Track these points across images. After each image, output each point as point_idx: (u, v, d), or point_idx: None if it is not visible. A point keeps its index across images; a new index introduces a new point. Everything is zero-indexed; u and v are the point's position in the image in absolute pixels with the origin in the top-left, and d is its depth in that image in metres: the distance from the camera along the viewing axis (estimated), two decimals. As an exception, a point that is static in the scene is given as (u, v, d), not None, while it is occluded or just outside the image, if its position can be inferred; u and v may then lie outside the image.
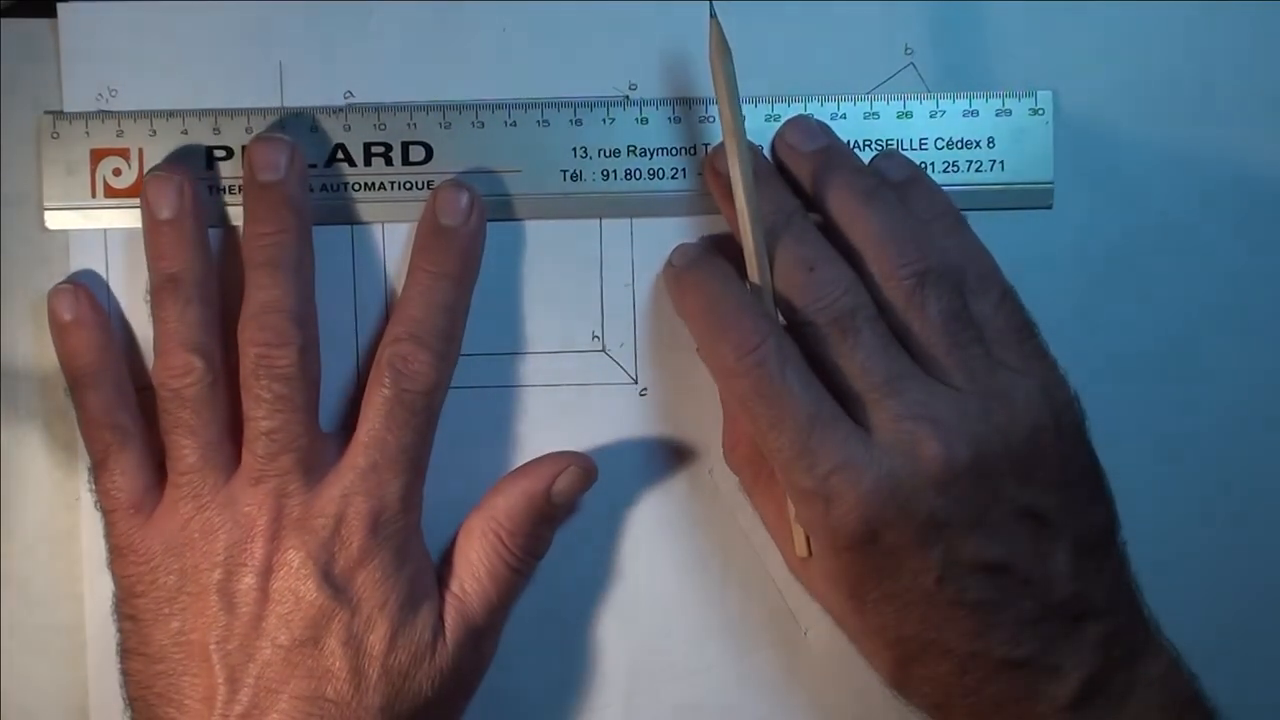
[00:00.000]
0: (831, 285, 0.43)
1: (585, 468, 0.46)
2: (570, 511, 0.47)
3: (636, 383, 0.48)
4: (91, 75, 0.47)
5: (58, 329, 0.46)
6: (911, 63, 0.47)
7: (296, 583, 0.43)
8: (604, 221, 0.47)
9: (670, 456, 0.48)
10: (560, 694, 0.48)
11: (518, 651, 0.48)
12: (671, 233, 0.47)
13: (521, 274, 0.47)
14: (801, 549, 0.45)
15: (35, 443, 0.48)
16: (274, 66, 0.47)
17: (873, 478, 0.41)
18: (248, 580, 0.43)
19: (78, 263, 0.47)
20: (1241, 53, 0.47)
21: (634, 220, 0.47)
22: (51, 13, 0.47)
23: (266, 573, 0.43)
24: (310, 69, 0.47)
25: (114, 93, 0.47)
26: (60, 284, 0.46)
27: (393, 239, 0.47)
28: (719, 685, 0.48)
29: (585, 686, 0.48)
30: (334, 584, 0.43)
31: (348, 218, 0.47)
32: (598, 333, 0.48)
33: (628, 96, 0.47)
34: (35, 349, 0.47)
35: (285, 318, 0.44)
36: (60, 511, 0.48)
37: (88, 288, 0.46)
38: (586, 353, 0.48)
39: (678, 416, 0.48)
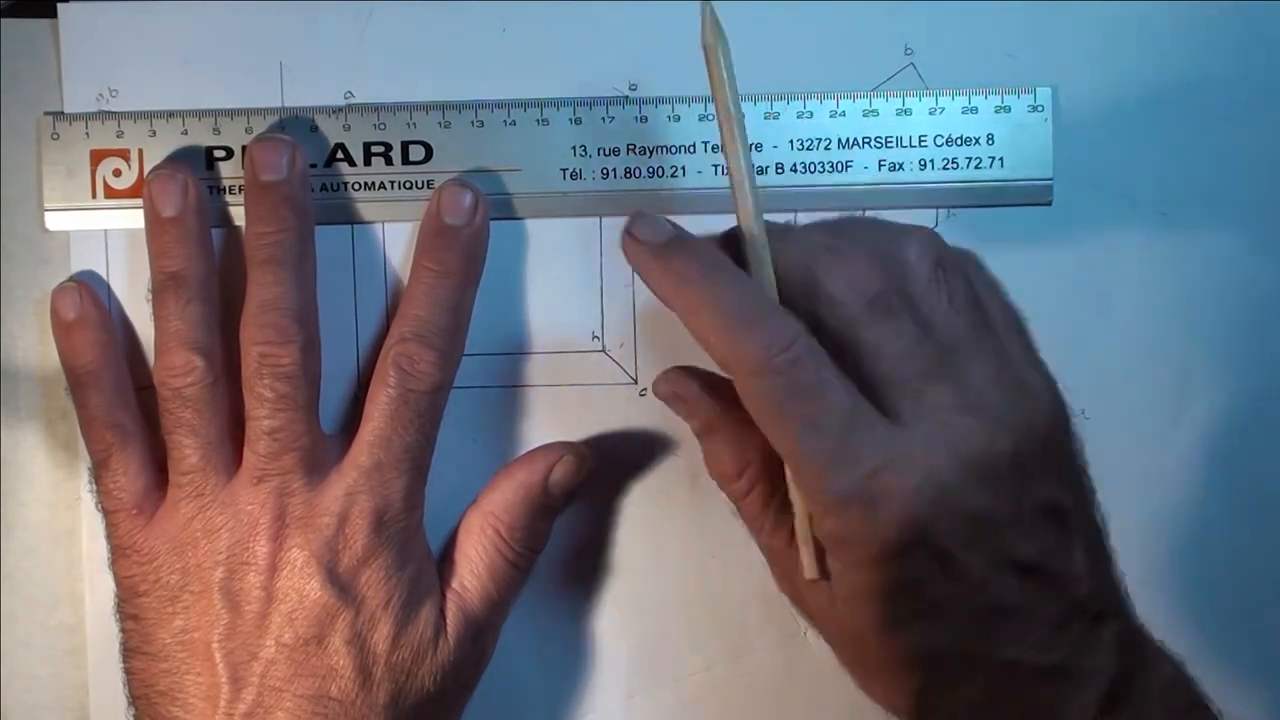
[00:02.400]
0: (864, 266, 0.40)
1: (580, 455, 0.47)
2: (568, 501, 0.47)
3: (636, 383, 0.48)
4: (91, 75, 0.47)
5: (60, 328, 0.46)
6: (911, 63, 0.47)
7: (300, 581, 0.43)
8: (604, 220, 0.47)
9: (670, 456, 0.48)
10: (560, 693, 0.48)
11: (518, 651, 0.48)
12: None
13: (521, 274, 0.48)
14: (811, 571, 0.41)
15: (35, 443, 0.48)
16: (274, 66, 0.47)
17: (921, 473, 0.38)
18: (251, 579, 0.43)
19: (78, 263, 0.47)
20: (1242, 50, 0.47)
21: (633, 219, 0.47)
22: (51, 13, 0.47)
23: (270, 571, 0.43)
24: (310, 69, 0.47)
25: (114, 93, 0.47)
26: (64, 283, 0.46)
27: (393, 239, 0.47)
28: (719, 685, 0.48)
29: (585, 686, 0.48)
30: (338, 582, 0.43)
31: (348, 217, 0.47)
32: (598, 333, 0.48)
33: (627, 96, 0.47)
34: (36, 349, 0.47)
35: (287, 316, 0.44)
36: (60, 511, 0.48)
37: (91, 287, 0.46)
38: (586, 353, 0.48)
39: (678, 417, 0.48)
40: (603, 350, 0.48)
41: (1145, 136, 0.47)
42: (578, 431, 0.48)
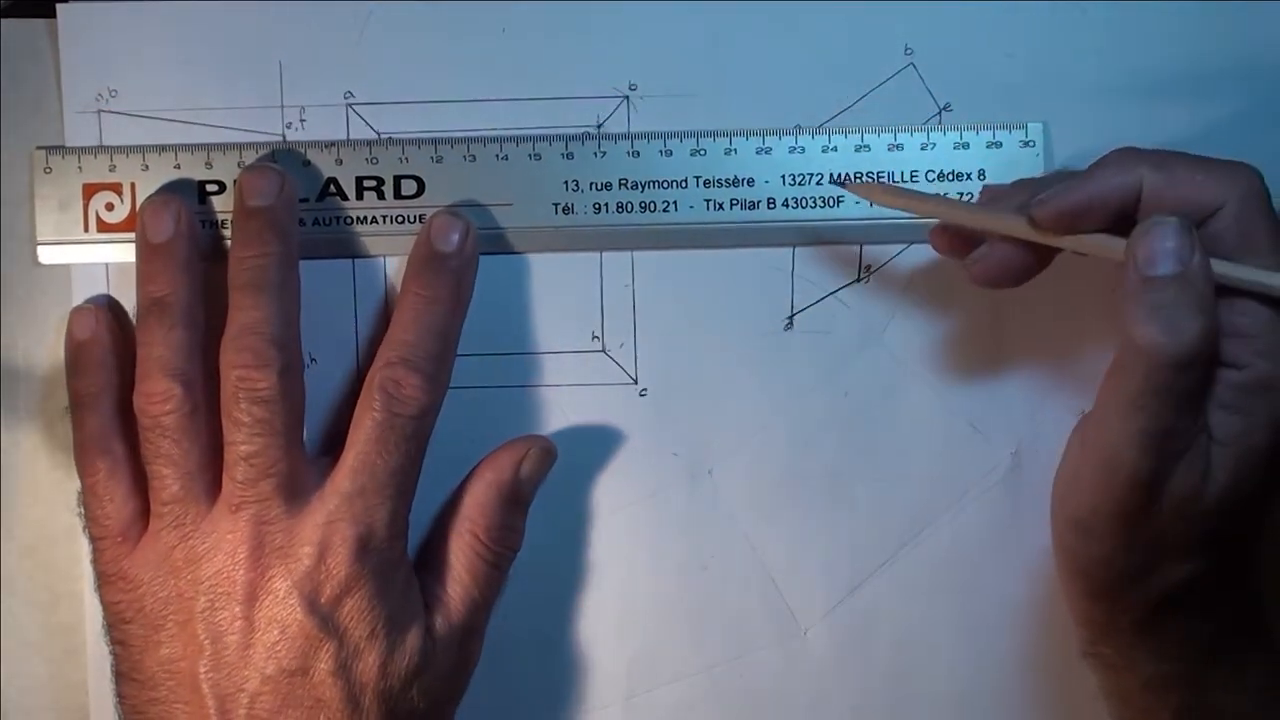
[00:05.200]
0: None
1: (545, 448, 0.47)
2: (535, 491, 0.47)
3: (636, 383, 0.48)
4: (91, 75, 0.47)
5: (71, 347, 0.46)
6: (911, 63, 0.47)
7: (282, 611, 0.43)
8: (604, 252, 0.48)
9: (670, 456, 0.48)
10: (560, 694, 0.48)
11: (517, 652, 0.48)
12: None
13: (521, 274, 0.47)
14: None
15: (35, 443, 0.48)
16: (274, 66, 0.47)
17: None
18: (232, 609, 0.43)
19: (79, 284, 0.47)
20: (1241, 52, 0.47)
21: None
22: (51, 13, 0.46)
23: (250, 601, 0.43)
24: (310, 69, 0.47)
25: (114, 93, 0.47)
26: (82, 303, 0.47)
27: (392, 271, 0.47)
28: (719, 685, 0.48)
29: (585, 686, 0.48)
30: (320, 613, 0.43)
31: (341, 251, 0.47)
32: (598, 333, 0.48)
33: (624, 109, 0.47)
34: (36, 350, 0.47)
35: (265, 340, 0.43)
36: (60, 511, 0.48)
37: (107, 311, 0.46)
38: (586, 353, 0.48)
39: (678, 416, 0.48)
40: (603, 350, 0.48)
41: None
42: (578, 432, 0.48)
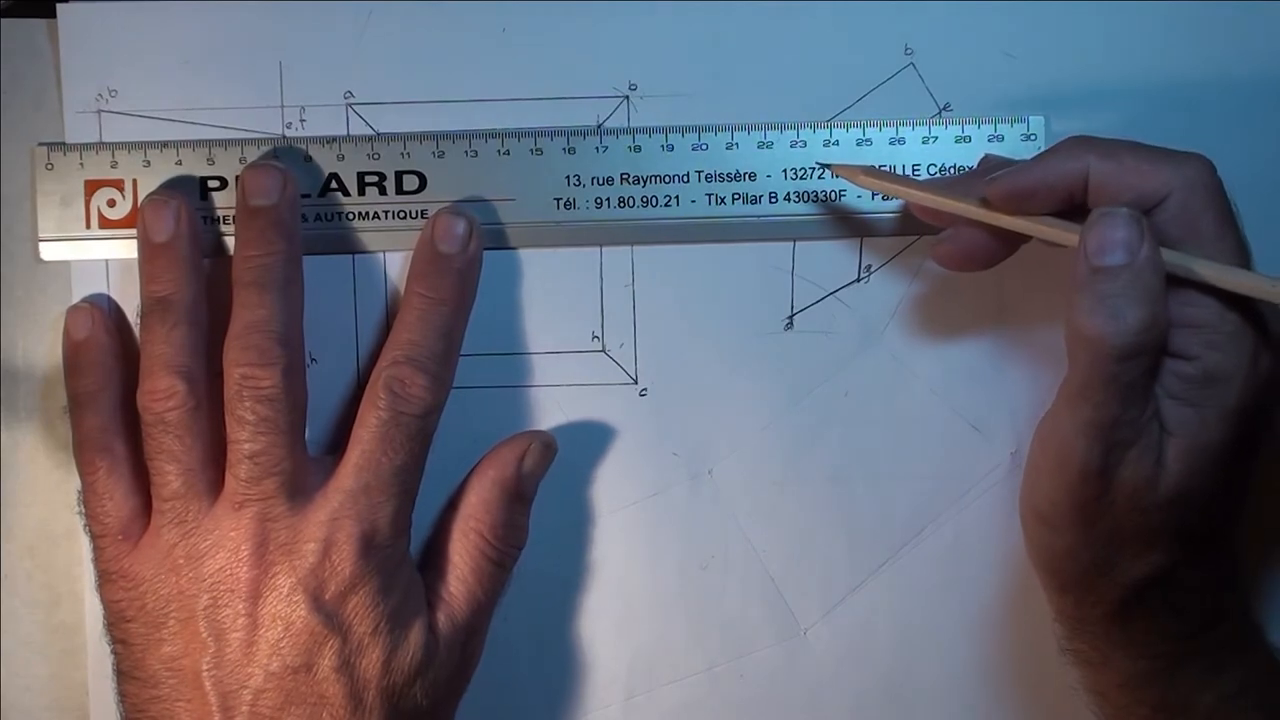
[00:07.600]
0: None
1: (546, 442, 0.47)
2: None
3: (636, 383, 0.48)
4: (91, 75, 0.47)
5: (69, 346, 0.46)
6: (911, 63, 0.47)
7: (286, 608, 0.43)
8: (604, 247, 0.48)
9: (670, 456, 0.48)
10: (560, 694, 0.48)
11: (517, 652, 0.48)
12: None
13: (522, 274, 0.47)
14: None
15: (35, 443, 0.48)
16: (274, 66, 0.47)
17: None
18: (236, 606, 0.43)
19: (79, 281, 0.47)
20: (1240, 53, 0.47)
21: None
22: (51, 13, 0.46)
23: (254, 598, 0.43)
24: (310, 69, 0.47)
25: (114, 93, 0.47)
26: (78, 302, 0.47)
27: (394, 267, 0.47)
28: (719, 685, 0.48)
29: (585, 686, 0.48)
30: (324, 610, 0.43)
31: (343, 247, 0.47)
32: (598, 333, 0.48)
33: (624, 108, 0.47)
34: (36, 349, 0.47)
35: (270, 338, 0.43)
36: (60, 511, 0.48)
37: (103, 309, 0.46)
38: (586, 353, 0.48)
39: (678, 416, 0.48)
40: (603, 350, 0.48)
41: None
42: (578, 432, 0.48)
